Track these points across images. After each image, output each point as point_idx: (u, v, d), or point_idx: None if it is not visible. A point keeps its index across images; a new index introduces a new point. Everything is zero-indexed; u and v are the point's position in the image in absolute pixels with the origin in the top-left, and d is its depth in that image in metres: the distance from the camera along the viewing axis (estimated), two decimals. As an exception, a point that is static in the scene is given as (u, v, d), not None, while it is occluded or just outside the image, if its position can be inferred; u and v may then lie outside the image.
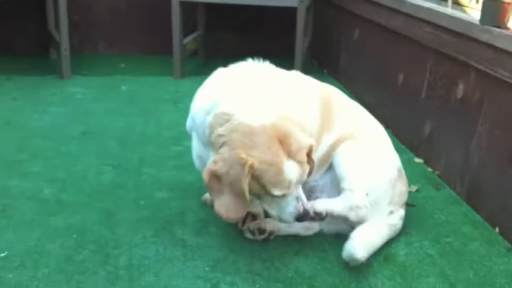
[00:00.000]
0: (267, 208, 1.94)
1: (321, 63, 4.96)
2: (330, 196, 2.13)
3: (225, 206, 1.82)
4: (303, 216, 1.91)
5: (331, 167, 2.16)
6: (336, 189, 2.11)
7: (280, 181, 1.80)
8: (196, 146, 2.13)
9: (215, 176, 1.81)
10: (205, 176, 1.83)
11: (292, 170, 1.81)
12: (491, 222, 2.35)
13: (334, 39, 4.57)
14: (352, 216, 2.05)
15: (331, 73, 4.66)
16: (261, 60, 2.13)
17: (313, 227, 2.18)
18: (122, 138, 3.10)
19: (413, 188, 2.63)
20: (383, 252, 2.11)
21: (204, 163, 2.03)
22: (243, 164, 1.74)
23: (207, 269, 1.96)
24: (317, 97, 2.16)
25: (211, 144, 1.90)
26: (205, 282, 1.89)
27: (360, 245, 1.96)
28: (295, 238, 2.12)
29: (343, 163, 2.09)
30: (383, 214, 2.14)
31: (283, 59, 4.62)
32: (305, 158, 1.85)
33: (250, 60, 2.12)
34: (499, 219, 2.30)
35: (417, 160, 2.98)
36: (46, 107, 3.58)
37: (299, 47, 4.17)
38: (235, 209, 1.82)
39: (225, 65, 2.14)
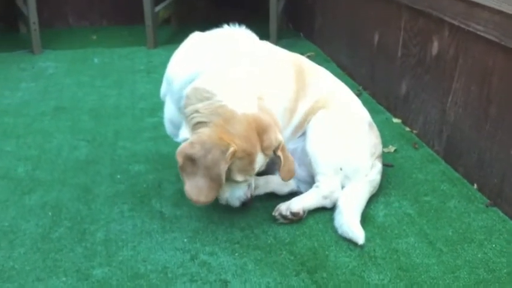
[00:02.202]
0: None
1: (297, 26, 4.89)
2: (299, 161, 2.15)
3: (197, 189, 1.81)
4: (248, 203, 1.98)
5: (304, 134, 2.16)
6: (306, 156, 2.11)
7: (248, 170, 1.85)
8: (169, 110, 2.09)
9: (190, 159, 1.78)
10: (179, 157, 1.80)
11: (259, 162, 1.86)
12: (469, 178, 2.35)
13: (309, 1, 4.50)
14: (328, 203, 2.10)
15: (307, 36, 4.60)
16: (237, 25, 2.11)
17: (290, 185, 2.18)
18: (96, 112, 3.04)
19: (392, 148, 2.62)
20: (362, 214, 2.10)
21: (176, 128, 2.01)
22: (224, 150, 1.74)
23: (185, 240, 1.94)
24: (291, 65, 2.15)
25: (185, 115, 1.88)
26: (184, 254, 1.87)
27: (357, 227, 1.95)
28: (273, 205, 2.10)
29: (314, 142, 2.10)
30: (364, 174, 2.15)
31: (258, 24, 4.54)
32: (271, 152, 1.89)
33: (226, 26, 2.10)
34: (477, 176, 2.30)
35: (395, 120, 2.96)
36: (17, 83, 3.50)
37: (273, 10, 4.10)
38: (207, 193, 1.82)
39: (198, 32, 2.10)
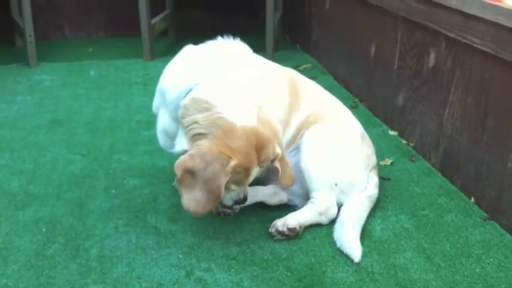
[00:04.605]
0: None
1: (293, 38, 4.89)
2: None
3: (196, 201, 1.78)
4: (240, 203, 1.97)
5: (296, 149, 2.15)
6: (299, 172, 2.10)
7: (243, 181, 1.84)
8: (163, 121, 2.07)
9: (190, 172, 1.76)
10: (178, 170, 1.77)
11: (255, 174, 1.84)
12: (466, 192, 2.34)
13: (306, 13, 4.50)
14: (324, 220, 2.09)
15: (304, 47, 4.60)
16: (231, 38, 2.11)
17: (280, 195, 2.17)
18: (91, 125, 3.02)
19: (388, 161, 2.61)
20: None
21: (170, 139, 2.00)
22: (224, 163, 1.72)
23: (181, 256, 1.92)
24: (286, 83, 2.14)
25: (182, 126, 1.85)
26: (179, 270, 1.85)
27: (356, 244, 1.94)
28: (270, 219, 2.08)
29: (307, 158, 2.08)
30: (362, 188, 2.14)
31: (255, 36, 4.54)
32: (268, 164, 1.87)
33: (220, 38, 2.09)
34: (474, 189, 2.29)
35: (391, 132, 2.95)
36: (13, 96, 3.48)
37: (269, 22, 4.10)
38: (204, 205, 1.79)
39: (196, 44, 2.09)
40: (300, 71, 3.98)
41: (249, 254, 1.94)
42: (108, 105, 3.32)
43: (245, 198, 1.97)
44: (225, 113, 1.77)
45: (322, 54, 4.19)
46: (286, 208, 2.17)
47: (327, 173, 2.08)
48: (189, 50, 2.10)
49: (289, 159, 2.11)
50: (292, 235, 2.01)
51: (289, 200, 2.20)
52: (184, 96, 1.87)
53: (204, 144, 1.75)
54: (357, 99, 3.44)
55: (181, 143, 1.86)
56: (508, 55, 2.02)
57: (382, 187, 2.32)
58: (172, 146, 1.93)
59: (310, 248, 1.97)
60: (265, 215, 2.15)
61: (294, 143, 2.15)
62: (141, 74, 3.92)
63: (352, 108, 3.30)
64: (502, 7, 2.03)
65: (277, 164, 1.88)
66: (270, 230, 2.02)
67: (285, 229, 2.00)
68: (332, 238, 2.02)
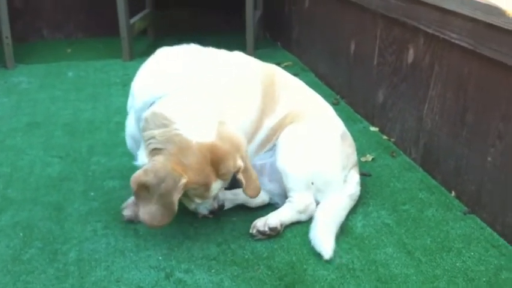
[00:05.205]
0: (185, 202, 1.92)
1: (274, 36, 4.88)
2: (270, 177, 2.14)
3: (151, 215, 1.81)
4: (216, 211, 1.97)
5: (273, 149, 2.14)
6: (275, 172, 2.10)
7: (205, 196, 1.86)
8: (131, 126, 2.06)
9: (144, 186, 1.78)
10: (133, 184, 1.79)
11: (217, 187, 1.85)
12: (446, 186, 2.34)
13: (286, 11, 4.49)
14: (303, 217, 2.09)
15: (284, 45, 4.59)
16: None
17: (261, 196, 2.13)
18: (70, 127, 2.98)
19: (369, 157, 2.61)
20: (341, 225, 2.08)
21: (136, 144, 2.00)
22: (176, 180, 1.74)
23: (160, 258, 1.90)
24: (259, 83, 2.12)
25: (143, 139, 1.86)
26: (159, 272, 1.83)
27: (326, 242, 1.92)
28: (250, 219, 2.07)
29: (282, 158, 2.07)
30: (339, 186, 2.13)
31: (236, 33, 4.54)
32: (231, 176, 1.87)
33: (193, 45, 2.10)
34: (455, 183, 2.29)
35: (372, 129, 2.95)
36: (-11, 99, 3.43)
37: (249, 20, 4.08)
38: (160, 219, 1.81)
39: (176, 43, 2.08)
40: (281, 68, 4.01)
41: (230, 254, 1.92)
42: (86, 107, 3.28)
43: (220, 207, 1.98)
44: (183, 130, 1.78)
45: (303, 51, 4.18)
46: (266, 207, 2.15)
47: (303, 172, 2.07)
48: (161, 54, 2.08)
49: (265, 161, 2.11)
50: (274, 234, 2.00)
51: (270, 199, 2.18)
52: (148, 108, 1.87)
53: (159, 160, 1.76)
54: (338, 96, 3.44)
55: (142, 156, 1.87)
56: (486, 50, 2.02)
57: (363, 183, 2.31)
58: (137, 155, 1.94)
59: (291, 246, 1.96)
60: (246, 215, 2.13)
61: (270, 142, 2.14)
62: (120, 75, 3.88)
63: (334, 105, 3.28)
64: (479, 2, 2.03)
65: (240, 176, 1.89)
66: (250, 231, 2.01)
67: (266, 229, 1.98)
68: (313, 235, 2.01)
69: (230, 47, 2.17)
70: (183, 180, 1.74)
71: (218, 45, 2.18)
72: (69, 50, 4.54)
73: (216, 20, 4.97)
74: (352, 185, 2.17)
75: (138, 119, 1.93)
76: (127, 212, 2.10)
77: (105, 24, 4.78)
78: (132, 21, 4.25)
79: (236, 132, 1.89)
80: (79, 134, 2.90)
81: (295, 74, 3.83)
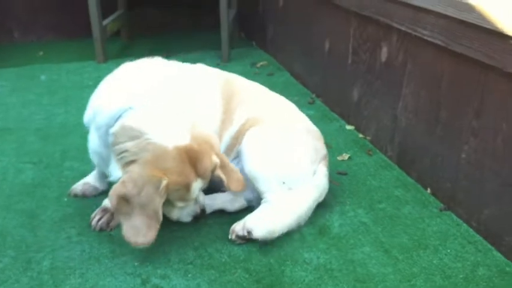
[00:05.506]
0: (166, 212, 1.90)
1: (249, 35, 4.86)
2: None
3: (135, 229, 1.76)
4: (200, 216, 1.96)
5: (238, 156, 2.14)
6: (245, 178, 2.08)
7: (187, 197, 1.85)
8: (94, 143, 2.03)
9: (124, 199, 1.74)
10: (113, 199, 1.75)
11: (198, 187, 1.86)
12: (422, 183, 2.36)
13: (260, 10, 4.48)
14: None
15: (260, 45, 4.58)
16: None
17: (239, 200, 2.15)
18: (42, 132, 2.93)
19: (346, 156, 2.61)
20: (318, 225, 2.08)
21: (103, 161, 1.96)
22: (157, 185, 1.72)
23: (136, 264, 1.87)
24: (220, 96, 2.14)
25: (114, 154, 1.83)
26: (135, 278, 1.80)
27: (258, 221, 1.95)
28: (227, 221, 2.05)
29: (249, 163, 2.06)
30: (308, 180, 2.11)
31: (210, 33, 4.52)
32: (210, 174, 1.88)
33: (156, 58, 2.13)
34: (430, 180, 2.31)
35: (348, 127, 2.96)
36: (-41, 104, 3.36)
37: (224, 20, 4.06)
38: (145, 232, 1.76)
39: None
40: (256, 68, 4.01)
41: (207, 258, 1.91)
42: (59, 111, 3.22)
43: (203, 212, 1.98)
44: (156, 138, 1.77)
45: (278, 51, 4.17)
46: (244, 210, 2.14)
47: (272, 174, 2.05)
48: (123, 69, 2.08)
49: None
50: (253, 237, 1.98)
51: (249, 203, 2.17)
52: (114, 123, 1.84)
53: (134, 169, 1.75)
54: (313, 95, 3.44)
55: (115, 171, 1.84)
56: (458, 47, 2.03)
57: (340, 182, 2.32)
58: (107, 166, 1.91)
59: (268, 249, 1.95)
60: (222, 217, 2.12)
61: (233, 152, 2.15)
62: (93, 77, 3.82)
63: (310, 104, 3.30)
64: (450, -1, 2.04)
65: (219, 172, 1.89)
66: (229, 237, 1.98)
67: (245, 232, 1.96)
68: (290, 237, 2.00)
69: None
70: (164, 182, 1.72)
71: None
72: (41, 53, 4.46)
73: (191, 19, 4.94)
74: (318, 177, 2.14)
75: (103, 135, 1.91)
76: (95, 220, 2.07)
77: (77, 26, 4.72)
78: (104, 22, 4.20)
79: (208, 132, 1.90)
80: (52, 138, 2.85)
81: (271, 74, 3.87)
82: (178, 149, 1.77)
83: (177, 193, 1.81)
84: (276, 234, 1.96)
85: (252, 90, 2.28)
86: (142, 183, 1.72)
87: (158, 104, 1.86)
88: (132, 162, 1.76)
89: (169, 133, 1.78)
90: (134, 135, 1.77)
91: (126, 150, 1.77)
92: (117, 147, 1.80)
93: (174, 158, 1.76)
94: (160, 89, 1.94)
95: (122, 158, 1.79)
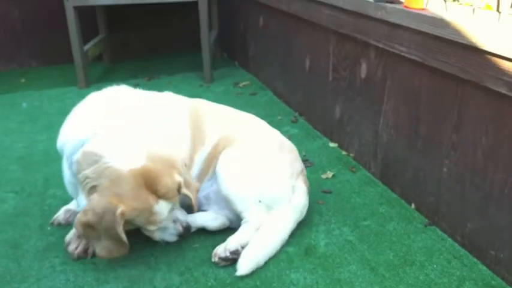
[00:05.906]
0: (149, 234, 1.95)
1: (232, 56, 4.89)
2: (217, 206, 2.15)
3: (107, 249, 1.83)
4: (184, 234, 1.97)
5: (213, 178, 2.15)
6: (222, 200, 2.10)
7: (152, 221, 1.86)
8: (67, 172, 2.03)
9: (88, 226, 1.79)
10: (78, 227, 1.80)
11: (163, 208, 1.86)
12: (406, 198, 2.36)
13: (241, 29, 4.51)
14: None
15: (242, 64, 4.60)
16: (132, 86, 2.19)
17: (220, 218, 2.14)
18: (24, 160, 2.91)
19: (330, 174, 2.61)
20: (304, 245, 2.08)
21: (76, 190, 1.97)
22: (114, 212, 1.75)
23: (121, 291, 1.86)
24: (188, 122, 2.17)
25: (78, 182, 1.86)
26: (120, 306, 1.78)
27: (245, 260, 1.93)
28: (213, 244, 2.04)
29: (224, 185, 2.07)
30: (288, 197, 2.11)
31: (193, 55, 4.53)
32: (175, 194, 1.88)
33: (123, 86, 2.17)
34: (413, 195, 2.32)
35: (331, 144, 2.97)
36: None
37: (205, 40, 4.07)
38: (117, 249, 1.84)
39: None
40: (239, 88, 4.02)
41: (193, 283, 1.89)
42: (41, 138, 3.20)
43: (187, 229, 1.98)
44: (113, 161, 1.80)
45: (260, 70, 4.19)
46: (227, 230, 2.12)
47: (247, 194, 2.05)
48: (89, 98, 2.13)
49: (208, 191, 2.15)
50: (237, 257, 1.97)
51: (230, 222, 2.16)
52: (77, 151, 1.87)
53: (94, 197, 1.78)
54: (296, 113, 3.45)
55: (81, 200, 1.87)
56: (434, 62, 2.06)
57: (324, 200, 2.31)
58: (78, 196, 1.93)
59: (254, 271, 1.93)
60: (207, 239, 2.11)
61: (207, 174, 2.16)
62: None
63: (293, 122, 3.31)
64: (425, 15, 2.07)
65: (185, 191, 1.91)
66: (213, 260, 1.98)
67: (228, 254, 1.96)
68: (276, 257, 1.99)
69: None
70: (119, 210, 1.74)
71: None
72: (23, 80, 4.44)
73: (172, 42, 4.96)
74: (296, 196, 2.13)
75: (71, 164, 1.92)
76: (72, 248, 2.05)
77: (59, 52, 4.71)
78: (86, 47, 4.20)
79: (167, 151, 1.90)
80: (34, 166, 2.83)
81: (254, 93, 3.88)
82: (133, 173, 1.78)
83: (141, 218, 1.82)
84: (262, 264, 1.96)
85: (220, 111, 2.32)
86: (102, 211, 1.75)
87: (120, 130, 1.89)
88: (93, 188, 1.79)
89: (124, 156, 1.81)
90: (94, 159, 1.80)
91: (87, 177, 1.80)
92: (80, 175, 1.82)
93: (129, 183, 1.77)
94: (122, 116, 1.97)
95: (85, 184, 1.81)
